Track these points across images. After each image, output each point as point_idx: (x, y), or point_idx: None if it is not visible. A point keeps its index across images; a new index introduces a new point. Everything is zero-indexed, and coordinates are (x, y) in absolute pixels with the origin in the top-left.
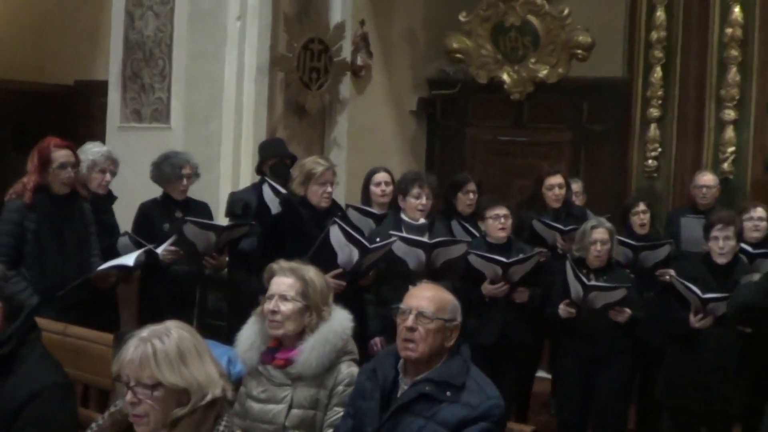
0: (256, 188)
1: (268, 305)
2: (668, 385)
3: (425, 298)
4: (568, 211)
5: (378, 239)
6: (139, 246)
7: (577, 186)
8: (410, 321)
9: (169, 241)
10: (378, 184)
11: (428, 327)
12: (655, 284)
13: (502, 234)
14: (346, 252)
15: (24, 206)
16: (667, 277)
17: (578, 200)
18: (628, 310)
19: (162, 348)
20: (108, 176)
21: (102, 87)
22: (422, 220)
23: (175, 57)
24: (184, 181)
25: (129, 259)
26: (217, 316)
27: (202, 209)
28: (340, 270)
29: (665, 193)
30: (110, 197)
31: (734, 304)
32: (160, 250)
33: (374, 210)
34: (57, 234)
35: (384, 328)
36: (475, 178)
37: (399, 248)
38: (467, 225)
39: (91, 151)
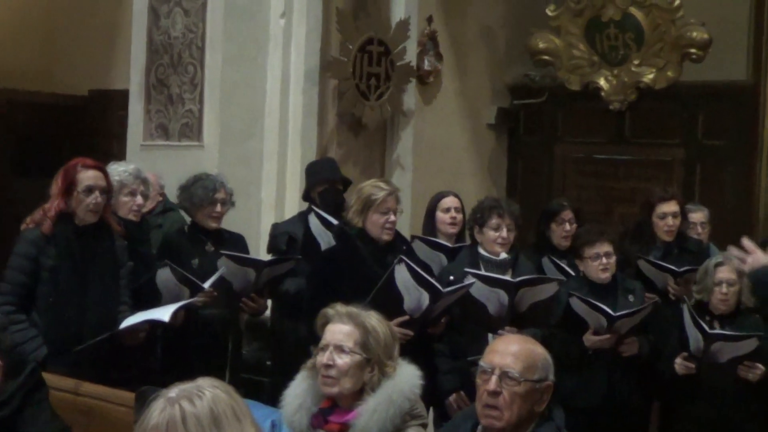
0: (303, 218)
1: (322, 358)
2: None
3: (510, 354)
4: (683, 246)
5: (451, 277)
6: (182, 280)
7: (701, 215)
8: (493, 384)
9: (214, 278)
10: (446, 210)
11: (515, 390)
12: None
13: (605, 276)
14: (414, 296)
15: (42, 237)
16: None
17: (702, 233)
18: (761, 366)
19: (192, 411)
20: (139, 199)
21: (122, 98)
22: (504, 255)
23: (208, 62)
24: (218, 207)
25: (165, 313)
26: (256, 371)
27: (236, 242)
28: (406, 317)
29: None
30: (145, 224)
31: None
32: (206, 287)
33: (445, 242)
34: (79, 274)
35: (460, 384)
36: (572, 206)
37: (477, 289)
38: (561, 263)
39: (117, 171)
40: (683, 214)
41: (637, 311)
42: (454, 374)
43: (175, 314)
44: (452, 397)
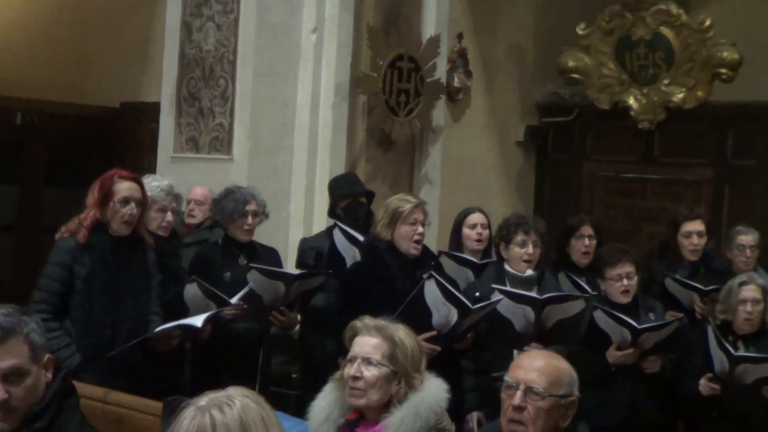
0: (330, 234)
1: (349, 370)
2: None
3: (536, 369)
4: (709, 266)
5: (477, 293)
6: (209, 295)
7: (751, 237)
8: (518, 399)
9: (242, 293)
10: (473, 227)
11: (539, 405)
12: None
13: (626, 299)
14: (442, 312)
15: (77, 247)
16: None
17: (751, 256)
18: None
19: (222, 420)
20: (169, 215)
21: (153, 110)
22: (530, 272)
23: (239, 76)
24: (249, 219)
25: (197, 320)
26: (282, 384)
27: (269, 256)
28: (434, 332)
29: None
30: (175, 239)
31: None
32: (233, 301)
33: (472, 258)
34: (112, 283)
35: (484, 401)
36: (592, 221)
37: (503, 305)
38: (578, 279)
39: (149, 186)
40: (709, 233)
41: (661, 325)
42: (476, 392)
43: (205, 323)
44: (470, 416)
